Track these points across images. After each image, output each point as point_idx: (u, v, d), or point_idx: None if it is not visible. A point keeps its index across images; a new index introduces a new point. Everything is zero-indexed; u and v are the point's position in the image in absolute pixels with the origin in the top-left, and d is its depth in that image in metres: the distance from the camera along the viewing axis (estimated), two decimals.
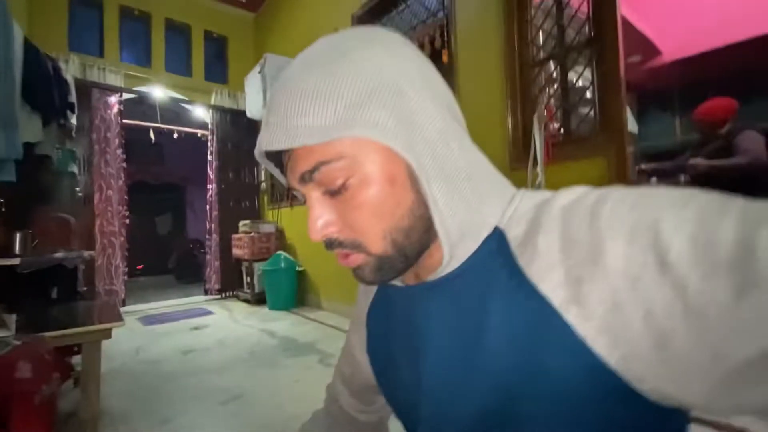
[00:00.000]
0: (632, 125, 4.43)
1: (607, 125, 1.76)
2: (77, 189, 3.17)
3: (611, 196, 0.31)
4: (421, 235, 0.37)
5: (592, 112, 1.86)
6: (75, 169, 2.69)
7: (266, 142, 0.35)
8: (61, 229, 2.19)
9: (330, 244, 0.37)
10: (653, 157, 4.28)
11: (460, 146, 0.37)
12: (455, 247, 0.37)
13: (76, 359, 1.86)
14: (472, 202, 0.37)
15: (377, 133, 0.33)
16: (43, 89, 1.91)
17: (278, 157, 0.39)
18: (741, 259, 0.24)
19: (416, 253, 0.38)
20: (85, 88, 3.72)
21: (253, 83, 3.79)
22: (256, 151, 0.38)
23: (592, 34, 1.83)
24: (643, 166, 3.24)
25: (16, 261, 1.73)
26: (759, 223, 0.24)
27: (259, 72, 3.64)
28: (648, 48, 3.35)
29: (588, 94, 1.88)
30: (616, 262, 0.28)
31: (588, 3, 1.84)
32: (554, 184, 1.86)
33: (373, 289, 0.52)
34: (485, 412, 0.35)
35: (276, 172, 0.43)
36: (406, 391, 0.45)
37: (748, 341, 0.23)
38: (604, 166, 1.75)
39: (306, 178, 0.35)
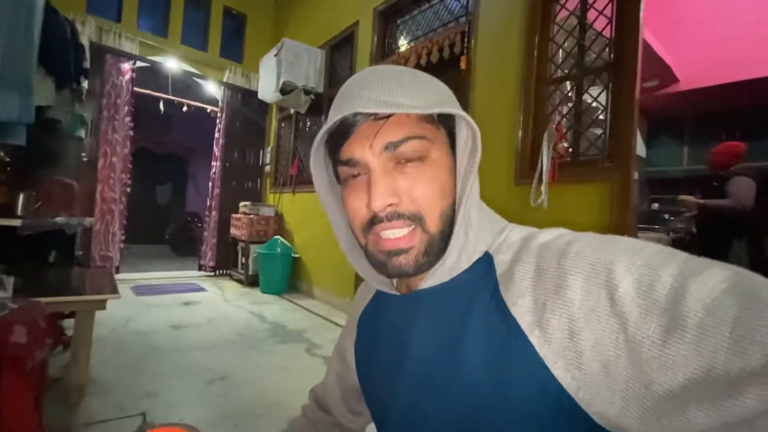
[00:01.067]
0: (641, 149, 4.44)
1: (616, 151, 1.77)
2: (83, 154, 3.17)
3: (582, 239, 0.37)
4: (450, 233, 0.41)
5: (602, 136, 1.86)
6: (82, 133, 2.69)
7: (362, 106, 0.37)
8: (63, 193, 2.20)
9: (389, 215, 0.39)
10: (659, 183, 4.30)
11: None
12: (460, 257, 0.41)
13: (68, 322, 1.89)
14: (477, 224, 0.42)
15: (467, 117, 0.40)
16: (60, 53, 1.90)
17: (342, 135, 0.40)
18: (672, 302, 0.28)
19: (442, 249, 0.41)
20: (99, 52, 3.70)
21: (268, 66, 3.77)
22: (337, 116, 0.39)
23: (612, 57, 1.83)
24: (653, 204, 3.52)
25: (18, 222, 1.74)
26: (692, 275, 0.29)
27: (275, 55, 3.62)
28: (666, 74, 3.34)
29: (600, 117, 1.89)
30: (574, 295, 0.33)
31: (611, 26, 1.83)
32: (556, 204, 1.88)
33: (368, 296, 0.56)
34: (455, 420, 0.38)
35: (319, 151, 0.44)
36: (385, 395, 0.48)
37: (671, 375, 0.27)
38: (607, 191, 1.76)
39: (389, 147, 0.39)
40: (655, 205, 4.16)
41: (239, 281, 4.32)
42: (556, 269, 0.35)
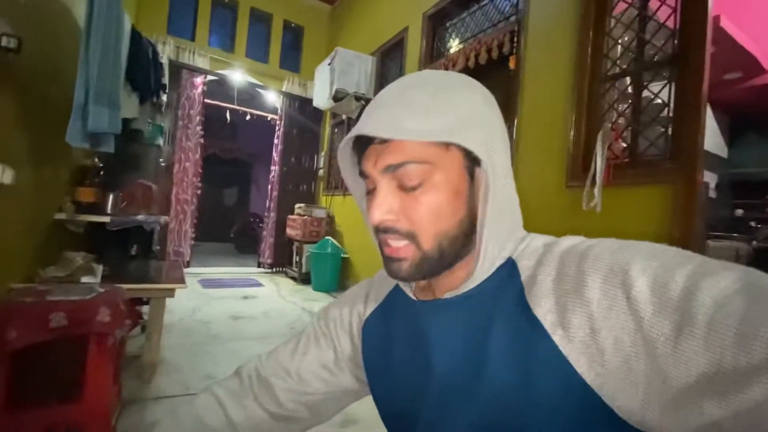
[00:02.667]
0: (720, 148, 3.97)
1: (680, 151, 1.63)
2: (161, 159, 3.56)
3: (601, 244, 0.38)
4: (459, 248, 0.43)
5: (664, 135, 1.72)
6: (161, 141, 3.02)
7: (371, 129, 0.40)
8: (144, 194, 2.50)
9: (386, 229, 0.42)
10: (744, 187, 3.81)
11: (512, 185, 0.45)
12: (483, 267, 0.42)
13: (144, 308, 2.14)
14: (504, 233, 0.43)
15: (471, 143, 0.39)
16: (143, 72, 2.18)
17: (362, 147, 0.44)
18: (684, 300, 0.29)
19: (449, 263, 0.43)
20: (176, 68, 4.14)
21: (322, 74, 3.96)
22: (350, 135, 0.42)
23: (676, 50, 1.69)
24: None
25: (107, 219, 2.02)
26: (705, 275, 0.30)
27: (329, 64, 3.79)
28: (750, 64, 2.97)
29: (662, 115, 1.75)
30: (593, 295, 0.34)
31: (675, 16, 1.70)
32: (611, 208, 1.77)
33: (374, 299, 0.57)
34: (483, 421, 0.39)
35: (346, 161, 0.48)
36: (406, 398, 0.48)
37: (684, 370, 0.28)
38: (669, 194, 1.62)
39: (389, 169, 0.41)
40: (739, 212, 3.70)
41: (293, 278, 4.56)
42: (576, 271, 0.36)
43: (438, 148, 0.40)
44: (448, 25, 3.16)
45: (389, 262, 0.43)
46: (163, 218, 2.73)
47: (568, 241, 0.41)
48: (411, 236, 0.41)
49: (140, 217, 2.23)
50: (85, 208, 2.03)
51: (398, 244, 0.42)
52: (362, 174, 0.44)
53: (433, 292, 0.47)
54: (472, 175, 0.42)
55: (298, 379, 0.57)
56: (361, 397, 0.60)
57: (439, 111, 0.40)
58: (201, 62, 4.35)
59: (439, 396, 0.44)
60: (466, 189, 0.42)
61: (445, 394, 0.43)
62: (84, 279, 1.57)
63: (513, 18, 2.46)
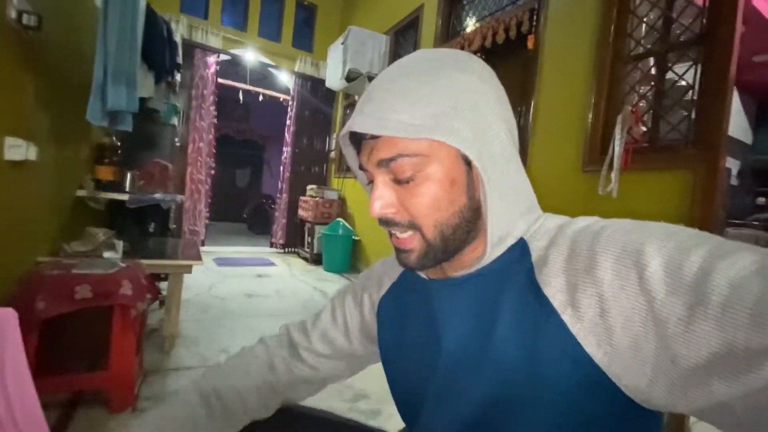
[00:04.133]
0: (745, 134, 3.83)
1: (703, 136, 1.58)
2: (176, 139, 3.60)
3: (616, 224, 0.37)
4: (463, 234, 0.42)
5: (686, 119, 1.67)
6: (176, 121, 3.05)
7: (359, 125, 0.40)
8: (161, 173, 2.54)
9: (386, 222, 0.43)
10: (767, 173, 3.69)
11: (515, 166, 0.44)
12: (492, 250, 0.42)
13: (162, 285, 2.21)
14: (513, 214, 0.43)
15: (455, 139, 0.38)
16: (158, 51, 2.18)
17: (358, 140, 0.45)
18: (698, 281, 0.29)
19: (455, 250, 0.43)
20: (189, 48, 4.13)
21: (335, 54, 3.91)
22: (343, 131, 0.43)
23: (705, 29, 1.62)
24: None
25: (126, 197, 2.07)
26: (721, 256, 0.29)
27: (342, 43, 3.73)
28: None
29: (686, 98, 1.69)
30: (605, 274, 0.34)
31: None
32: (628, 194, 1.74)
33: (389, 279, 0.58)
34: (489, 395, 0.40)
35: (348, 152, 0.49)
36: (416, 374, 0.50)
37: (695, 350, 0.28)
38: (689, 180, 1.59)
39: (382, 164, 0.41)
40: (761, 200, 3.60)
41: (305, 259, 4.63)
42: (588, 251, 0.36)
43: (427, 140, 0.39)
44: (465, 2, 3.07)
45: (398, 252, 0.45)
46: (179, 197, 2.78)
47: (582, 222, 0.41)
48: (413, 227, 0.42)
49: (157, 196, 2.27)
50: (104, 186, 2.08)
51: (403, 235, 0.43)
52: (361, 167, 0.45)
53: (444, 272, 0.48)
54: (469, 163, 0.41)
55: (318, 342, 0.62)
56: (371, 362, 0.65)
57: (427, 101, 0.39)
58: (214, 41, 4.33)
59: (447, 371, 0.45)
60: (463, 177, 0.41)
61: (453, 369, 0.44)
62: (106, 254, 1.63)
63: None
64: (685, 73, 1.69)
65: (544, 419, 0.37)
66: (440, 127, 0.38)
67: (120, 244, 1.69)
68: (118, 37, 1.60)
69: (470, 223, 0.42)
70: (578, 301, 0.35)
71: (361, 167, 0.45)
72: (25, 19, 1.28)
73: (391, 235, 0.45)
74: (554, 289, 0.37)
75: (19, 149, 1.36)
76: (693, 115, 1.65)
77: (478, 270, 0.44)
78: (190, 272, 1.87)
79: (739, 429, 0.28)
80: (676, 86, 1.75)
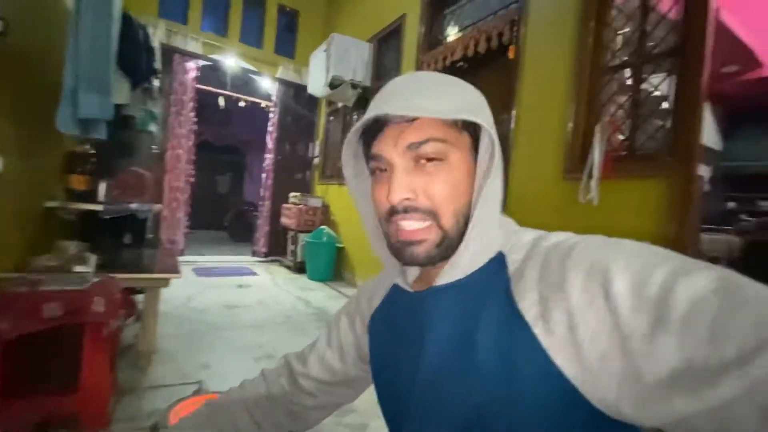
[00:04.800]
0: (715, 141, 3.99)
1: (678, 145, 1.63)
2: (153, 146, 3.50)
3: (587, 241, 0.39)
4: (463, 231, 0.44)
5: (663, 128, 1.72)
6: (153, 128, 2.96)
7: (392, 108, 0.41)
8: (137, 182, 2.45)
9: (406, 208, 0.43)
10: (738, 180, 3.85)
11: (501, 176, 0.46)
12: (474, 255, 0.44)
13: (140, 297, 2.13)
14: (495, 225, 0.45)
15: (488, 124, 0.42)
16: (134, 57, 2.11)
17: (372, 132, 0.45)
18: (660, 299, 0.30)
19: (456, 246, 0.44)
20: (168, 53, 4.04)
21: (318, 61, 3.89)
22: (367, 116, 0.43)
23: (678, 42, 1.68)
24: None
25: (100, 207, 1.98)
26: (683, 274, 0.30)
27: (325, 50, 3.72)
28: (747, 58, 2.96)
29: (662, 108, 1.75)
30: (573, 290, 0.35)
31: (678, 7, 1.68)
32: (608, 201, 1.78)
33: (378, 296, 0.59)
34: (470, 406, 0.40)
35: (349, 151, 0.49)
36: (401, 386, 0.50)
37: (657, 366, 0.29)
38: (666, 188, 1.63)
39: (412, 147, 0.42)
40: (731, 204, 3.75)
41: (288, 267, 4.55)
42: (560, 266, 0.37)
43: (453, 130, 0.43)
44: (447, 12, 3.11)
45: (404, 247, 0.44)
46: (157, 206, 2.69)
47: (556, 237, 0.43)
48: (432, 214, 0.43)
49: (133, 206, 2.19)
50: (77, 196, 1.99)
51: (417, 226, 0.43)
52: (373, 157, 0.45)
53: (428, 280, 0.49)
54: (475, 160, 0.45)
55: (316, 368, 0.62)
56: (369, 384, 0.64)
57: (453, 95, 0.43)
58: (193, 46, 4.25)
59: (430, 380, 0.45)
60: (474, 171, 0.44)
61: (436, 379, 0.44)
62: (77, 268, 1.55)
63: (514, 6, 2.42)
64: (660, 84, 1.75)
65: (521, 430, 0.37)
66: (473, 113, 0.42)
67: (93, 258, 1.61)
68: (90, 41, 1.54)
69: (466, 223, 0.44)
70: (549, 315, 0.36)
71: (372, 157, 0.46)
72: None
73: (393, 232, 0.45)
74: (528, 302, 0.38)
75: None
76: (669, 125, 1.70)
77: (461, 280, 0.45)
78: (167, 286, 1.80)
79: None
80: (652, 96, 1.80)
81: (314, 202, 4.48)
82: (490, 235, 0.45)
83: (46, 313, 1.17)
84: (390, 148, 0.43)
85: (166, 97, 4.10)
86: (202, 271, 4.04)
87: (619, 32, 1.89)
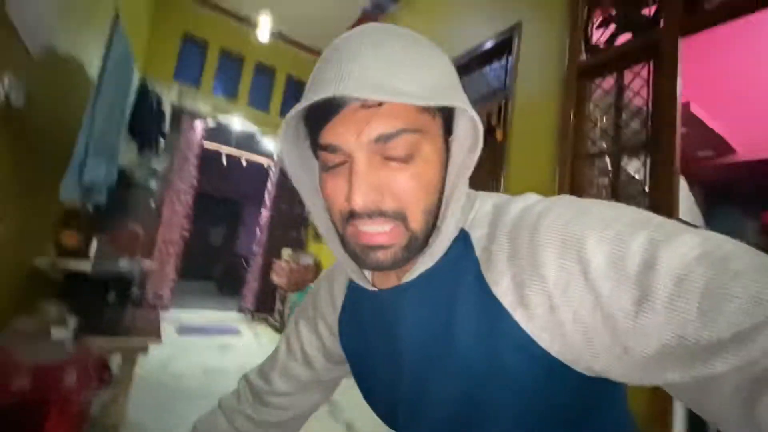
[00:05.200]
0: (696, 219, 4.15)
1: None
2: (151, 201, 3.55)
3: (552, 211, 0.35)
4: (431, 229, 0.40)
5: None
6: (153, 184, 3.04)
7: (355, 89, 0.33)
8: (129, 239, 2.46)
9: (371, 212, 0.36)
10: None
11: None
12: (442, 244, 0.41)
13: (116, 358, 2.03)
14: (461, 207, 0.41)
15: (470, 110, 0.37)
16: (146, 123, 2.25)
17: (322, 114, 0.36)
18: (642, 273, 0.29)
19: (423, 245, 0.40)
20: (177, 113, 4.26)
21: None
22: (316, 97, 0.34)
23: (649, 135, 1.82)
24: None
25: (88, 267, 1.97)
26: (662, 243, 0.29)
27: None
28: (720, 144, 3.20)
29: (641, 189, 1.85)
30: (549, 271, 0.33)
31: (647, 107, 1.84)
32: None
33: (340, 295, 0.57)
34: (456, 396, 0.39)
35: (290, 134, 0.40)
36: (387, 386, 0.49)
37: (645, 342, 0.28)
38: None
39: (381, 139, 0.35)
40: None
41: (274, 327, 4.41)
42: (529, 245, 0.35)
43: (427, 114, 0.37)
44: None
45: (366, 252, 0.38)
46: (147, 262, 2.68)
47: (516, 206, 0.39)
48: (400, 217, 0.37)
49: (123, 265, 2.18)
50: (67, 252, 1.98)
51: (382, 229, 0.37)
52: (325, 147, 0.37)
53: (391, 278, 0.46)
54: (447, 145, 0.40)
55: (280, 382, 0.60)
56: (339, 382, 0.65)
57: (428, 67, 0.36)
58: (203, 108, 4.49)
59: (415, 376, 0.44)
60: (445, 161, 0.40)
61: (420, 375, 0.43)
62: (54, 333, 1.50)
63: (501, 92, 2.63)
64: (637, 171, 1.87)
65: (513, 408, 0.37)
66: (452, 92, 0.37)
67: (72, 321, 1.57)
68: (107, 113, 1.64)
69: (435, 217, 0.40)
70: (527, 299, 0.35)
71: (323, 147, 0.37)
72: (13, 99, 1.30)
73: (353, 235, 0.38)
74: (503, 288, 0.36)
75: None
76: (646, 205, 1.79)
77: (428, 270, 0.41)
78: (146, 352, 1.75)
79: (691, 404, 0.29)
80: (631, 179, 1.92)
81: (306, 260, 4.45)
82: (458, 219, 0.41)
83: (15, 386, 1.12)
84: (350, 138, 0.35)
85: (170, 154, 4.25)
86: (185, 330, 3.90)
87: (596, 124, 2.05)
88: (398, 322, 0.44)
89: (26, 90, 1.38)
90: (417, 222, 0.38)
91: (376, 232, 0.37)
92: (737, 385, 0.24)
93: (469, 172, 0.40)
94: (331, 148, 0.37)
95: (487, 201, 0.42)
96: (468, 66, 2.87)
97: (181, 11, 4.43)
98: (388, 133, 0.35)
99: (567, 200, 0.37)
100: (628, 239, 0.30)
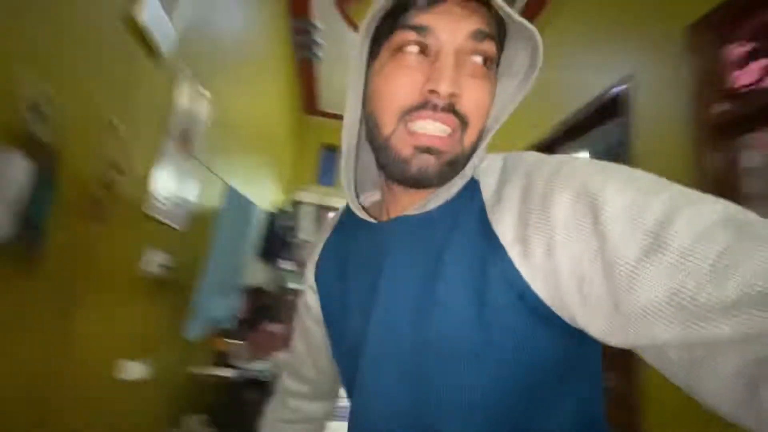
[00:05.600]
0: None
1: None
2: (285, 301, 4.13)
3: (575, 161, 0.35)
4: (469, 158, 0.41)
5: None
6: (291, 283, 3.55)
7: None
8: (270, 340, 2.89)
9: (447, 106, 0.36)
10: None
11: None
12: (457, 185, 0.41)
13: None
14: (485, 147, 0.42)
15: (537, 36, 0.36)
16: (273, 248, 2.73)
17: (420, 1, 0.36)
18: (659, 226, 0.27)
19: (455, 174, 0.40)
20: (321, 210, 5.03)
21: None
22: None
23: None
24: None
25: (229, 372, 2.38)
26: (686, 203, 0.27)
27: None
28: None
29: None
30: (559, 213, 0.32)
31: None
32: None
33: (319, 248, 0.57)
34: (436, 336, 0.37)
35: (376, 20, 0.39)
36: (355, 325, 0.46)
37: (643, 294, 0.26)
38: None
39: (478, 36, 0.36)
40: None
41: None
42: (545, 187, 0.34)
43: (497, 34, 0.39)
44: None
45: (417, 154, 0.37)
46: (283, 355, 3.04)
47: (532, 156, 0.39)
48: (464, 123, 0.37)
49: (263, 367, 2.49)
50: (216, 360, 2.43)
51: (443, 131, 0.37)
52: (416, 28, 0.36)
53: (392, 211, 0.46)
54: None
55: (302, 353, 0.62)
56: None
57: None
58: (336, 202, 5.19)
59: (385, 316, 0.41)
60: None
61: (392, 315, 0.40)
62: None
63: (618, 150, 2.18)
64: None
65: (491, 357, 0.35)
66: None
67: None
68: (224, 258, 2.04)
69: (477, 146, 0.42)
70: (528, 238, 0.34)
71: (409, 26, 0.36)
72: (161, 269, 1.76)
73: (412, 132, 0.37)
74: (505, 225, 0.36)
75: (137, 368, 1.47)
76: None
77: (434, 209, 0.41)
78: None
79: (675, 378, 0.27)
80: None
81: None
82: (474, 163, 0.41)
83: None
84: (449, 26, 0.35)
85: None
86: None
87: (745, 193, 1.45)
88: (387, 257, 0.43)
89: (173, 257, 1.81)
90: (470, 138, 0.38)
91: (435, 134, 0.37)
92: (739, 367, 0.23)
93: (512, 108, 0.40)
94: (422, 30, 0.36)
95: (496, 156, 0.43)
96: (573, 128, 2.51)
97: (318, 127, 5.39)
98: (486, 32, 0.36)
99: (590, 159, 0.36)
100: (650, 195, 0.29)
